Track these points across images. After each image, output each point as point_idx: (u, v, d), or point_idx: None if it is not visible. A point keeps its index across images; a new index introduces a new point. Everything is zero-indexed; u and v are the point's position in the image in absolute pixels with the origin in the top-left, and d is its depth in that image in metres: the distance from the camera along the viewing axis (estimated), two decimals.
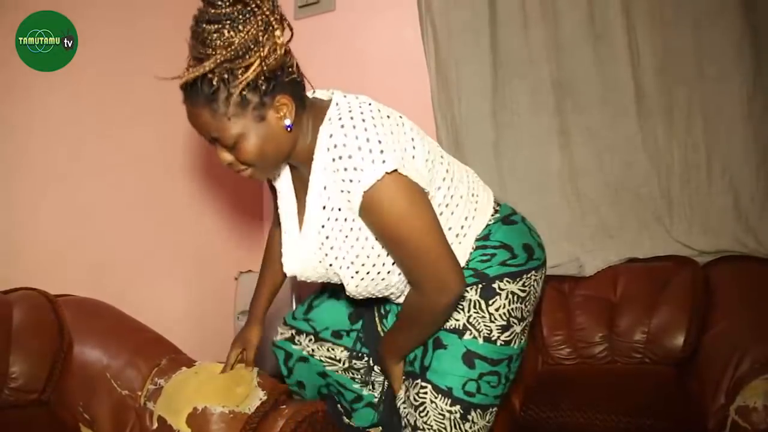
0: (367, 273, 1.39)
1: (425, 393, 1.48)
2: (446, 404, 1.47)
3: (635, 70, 2.51)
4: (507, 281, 1.49)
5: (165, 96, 2.57)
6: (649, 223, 2.56)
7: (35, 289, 1.99)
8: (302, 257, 1.48)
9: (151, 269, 2.53)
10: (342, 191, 1.28)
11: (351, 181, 1.24)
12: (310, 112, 1.36)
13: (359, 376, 1.77)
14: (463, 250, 1.49)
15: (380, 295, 1.48)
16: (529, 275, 1.52)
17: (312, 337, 1.80)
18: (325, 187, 1.34)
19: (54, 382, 1.86)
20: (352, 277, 1.40)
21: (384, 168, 1.21)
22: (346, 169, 1.23)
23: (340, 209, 1.35)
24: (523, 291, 1.51)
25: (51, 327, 1.91)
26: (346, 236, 1.37)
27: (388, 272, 1.40)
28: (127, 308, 2.14)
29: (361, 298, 1.47)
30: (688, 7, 2.40)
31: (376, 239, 1.35)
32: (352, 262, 1.39)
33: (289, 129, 1.28)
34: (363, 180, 1.22)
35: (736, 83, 2.36)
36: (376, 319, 1.72)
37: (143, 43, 2.55)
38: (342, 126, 1.26)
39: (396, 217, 1.26)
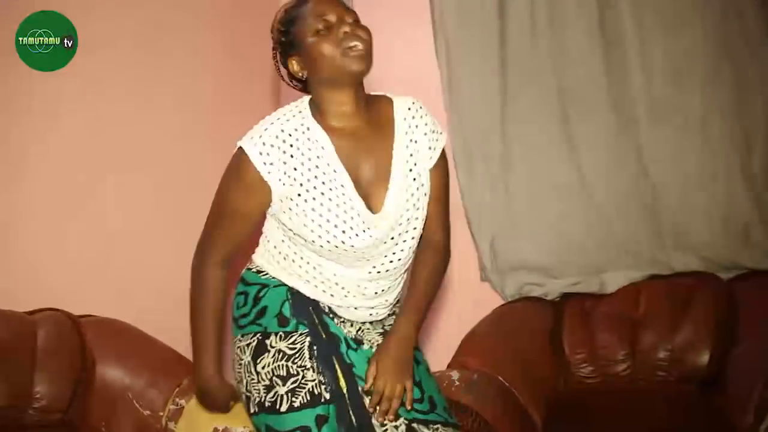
0: (414, 238, 1.47)
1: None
2: None
3: (648, 76, 2.48)
4: None
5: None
6: (667, 236, 2.53)
7: (59, 310, 2.02)
8: (376, 235, 1.43)
9: (173, 291, 2.54)
10: (430, 148, 1.46)
11: (440, 133, 1.49)
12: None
13: None
14: None
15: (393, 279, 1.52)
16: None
17: None
18: (411, 153, 1.45)
19: (77, 402, 1.88)
20: (410, 247, 1.48)
21: None
22: (433, 129, 1.48)
23: (420, 173, 1.46)
24: None
25: (74, 347, 1.94)
26: (420, 198, 1.46)
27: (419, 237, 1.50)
28: (149, 330, 2.16)
29: (381, 287, 1.51)
30: (702, 9, 2.38)
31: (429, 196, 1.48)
32: (414, 228, 1.46)
33: None
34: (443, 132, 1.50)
35: (755, 84, 2.33)
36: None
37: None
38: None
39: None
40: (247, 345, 1.50)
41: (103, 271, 2.31)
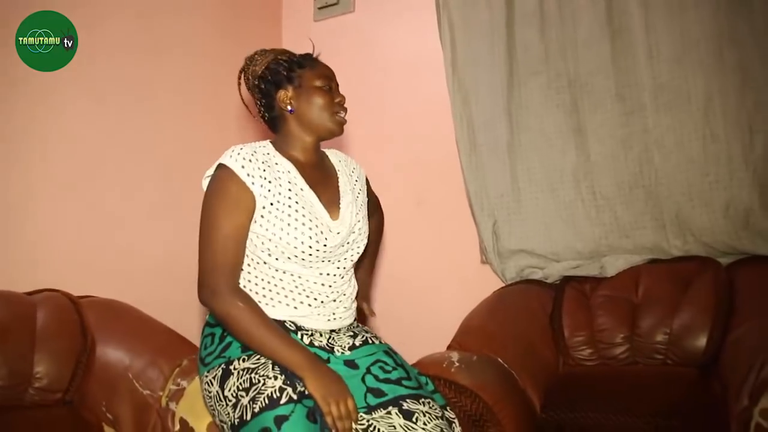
0: (364, 242, 1.76)
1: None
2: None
3: (653, 63, 2.47)
4: None
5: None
6: (668, 221, 2.53)
7: (59, 291, 2.02)
8: (342, 235, 1.67)
9: (173, 271, 2.55)
10: (357, 180, 1.85)
11: (358, 168, 1.90)
12: None
13: None
14: None
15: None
16: None
17: None
18: (354, 181, 1.83)
19: (77, 382, 1.89)
20: (360, 249, 1.74)
21: None
22: (354, 167, 1.88)
23: (359, 194, 1.81)
24: None
25: (74, 328, 1.94)
26: (362, 210, 1.78)
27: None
28: (149, 311, 2.16)
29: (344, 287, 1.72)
30: None
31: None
32: (362, 235, 1.75)
33: None
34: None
35: (757, 69, 2.31)
36: None
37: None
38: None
39: None
40: (214, 377, 1.57)
41: (103, 252, 2.31)
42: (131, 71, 2.42)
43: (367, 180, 1.92)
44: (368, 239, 1.87)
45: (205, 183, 1.64)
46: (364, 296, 1.98)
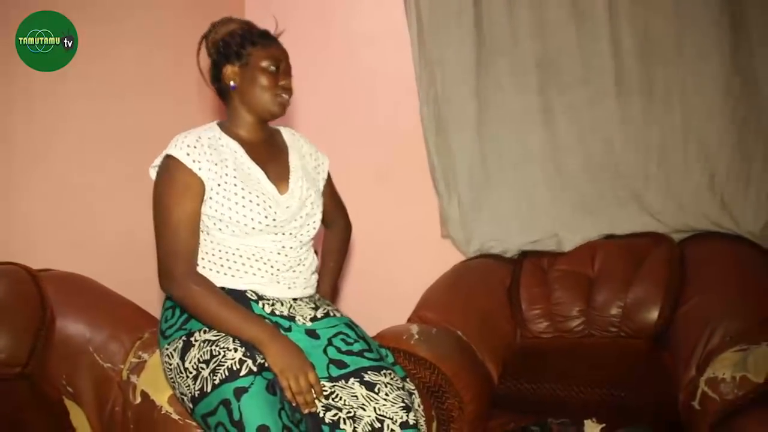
0: (318, 217, 1.79)
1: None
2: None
3: (616, 50, 2.52)
4: None
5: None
6: (626, 199, 2.60)
7: (17, 264, 1.99)
8: (292, 209, 1.70)
9: (133, 244, 2.52)
10: (316, 167, 1.89)
11: (321, 155, 1.94)
12: None
13: None
14: None
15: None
16: None
17: None
18: (301, 158, 1.83)
19: (37, 356, 1.87)
20: (314, 225, 1.78)
21: None
22: (311, 152, 1.91)
23: (308, 172, 1.83)
24: None
25: (33, 301, 1.92)
26: (313, 187, 1.81)
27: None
28: (109, 284, 2.15)
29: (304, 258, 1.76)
30: None
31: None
32: (315, 209, 1.77)
33: None
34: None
35: (715, 63, 2.38)
36: None
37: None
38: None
39: None
40: (174, 349, 1.59)
41: (63, 226, 2.28)
42: (89, 38, 2.37)
43: (329, 176, 1.95)
44: (331, 249, 2.03)
45: (153, 173, 1.68)
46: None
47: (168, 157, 1.62)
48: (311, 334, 1.66)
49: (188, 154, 1.60)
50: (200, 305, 1.56)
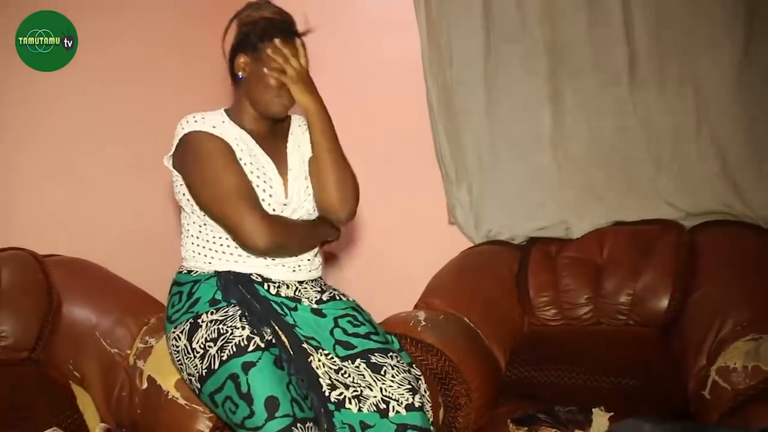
0: (311, 196, 1.74)
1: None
2: None
3: (629, 38, 2.48)
4: None
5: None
6: (636, 185, 2.57)
7: (23, 249, 1.99)
8: (299, 194, 1.71)
9: (140, 230, 2.52)
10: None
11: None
12: None
13: None
14: None
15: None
16: None
17: None
18: (298, 146, 1.80)
19: (44, 341, 1.88)
20: (312, 207, 1.74)
21: None
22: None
23: (305, 161, 1.77)
24: None
25: (40, 286, 1.92)
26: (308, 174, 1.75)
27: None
28: (116, 270, 2.15)
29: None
30: None
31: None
32: (309, 193, 1.73)
33: None
34: None
35: (727, 51, 2.35)
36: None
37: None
38: None
39: None
40: (182, 332, 1.59)
41: (70, 211, 2.28)
42: (95, 24, 2.36)
43: None
44: None
45: (169, 163, 1.67)
46: None
47: (189, 134, 1.62)
48: (317, 312, 1.67)
49: (214, 126, 1.62)
50: (293, 233, 1.66)
